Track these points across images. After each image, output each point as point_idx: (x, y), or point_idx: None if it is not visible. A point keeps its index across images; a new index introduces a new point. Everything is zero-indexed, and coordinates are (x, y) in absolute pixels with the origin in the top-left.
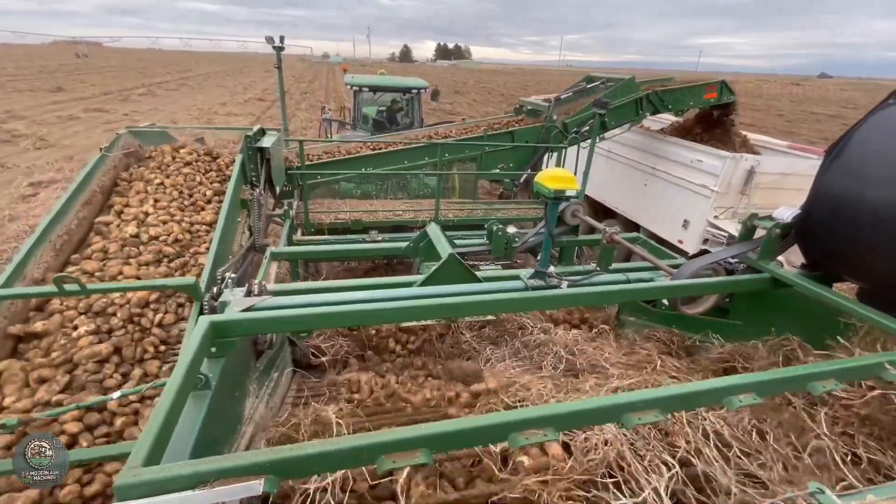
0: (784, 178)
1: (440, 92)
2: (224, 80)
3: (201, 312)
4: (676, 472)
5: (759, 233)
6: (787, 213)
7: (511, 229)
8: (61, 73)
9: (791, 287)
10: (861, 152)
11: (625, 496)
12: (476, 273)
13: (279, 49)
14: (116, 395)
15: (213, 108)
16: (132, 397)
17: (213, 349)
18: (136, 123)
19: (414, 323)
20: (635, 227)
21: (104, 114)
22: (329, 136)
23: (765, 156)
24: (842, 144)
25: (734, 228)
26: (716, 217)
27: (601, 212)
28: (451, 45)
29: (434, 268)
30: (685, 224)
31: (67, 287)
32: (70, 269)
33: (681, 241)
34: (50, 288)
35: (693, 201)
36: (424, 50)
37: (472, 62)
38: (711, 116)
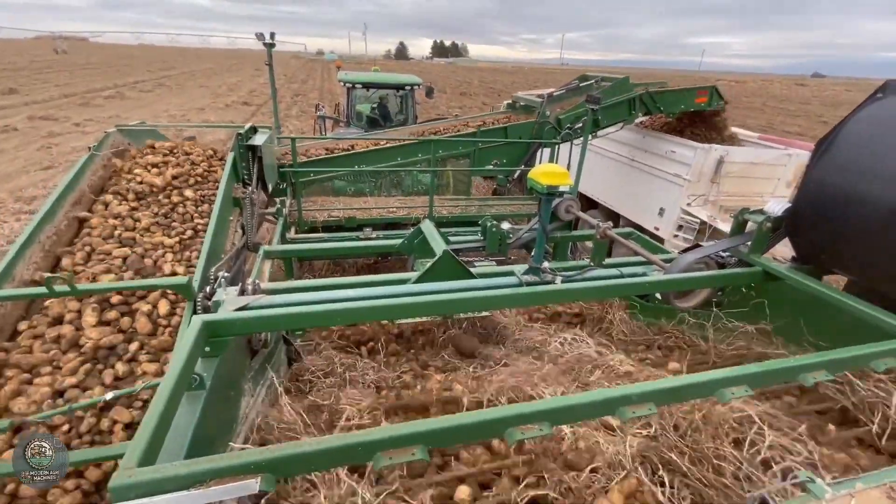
0: (752, 167)
1: (434, 89)
2: (208, 79)
3: (195, 312)
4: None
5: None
6: (777, 206)
7: (505, 225)
8: (27, 72)
9: (782, 280)
10: (851, 146)
11: None
12: (470, 269)
13: (270, 46)
14: (109, 395)
15: (186, 114)
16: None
17: (207, 349)
18: (83, 137)
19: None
20: (616, 216)
21: (51, 123)
22: (324, 133)
23: (733, 146)
24: (832, 138)
25: (706, 215)
26: (688, 204)
27: (584, 203)
28: (447, 43)
29: (428, 264)
30: (661, 212)
31: (57, 288)
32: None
33: (657, 228)
34: (40, 289)
35: (668, 190)
36: (420, 47)
37: (469, 59)
38: (699, 118)
